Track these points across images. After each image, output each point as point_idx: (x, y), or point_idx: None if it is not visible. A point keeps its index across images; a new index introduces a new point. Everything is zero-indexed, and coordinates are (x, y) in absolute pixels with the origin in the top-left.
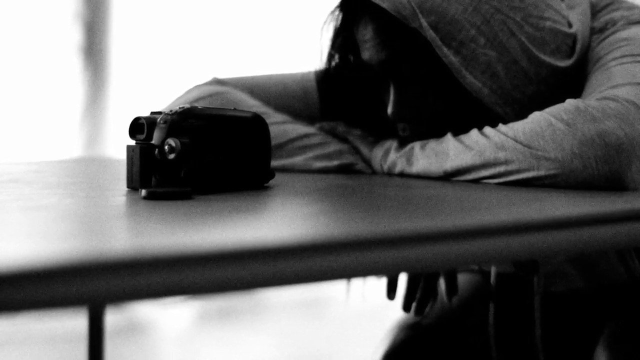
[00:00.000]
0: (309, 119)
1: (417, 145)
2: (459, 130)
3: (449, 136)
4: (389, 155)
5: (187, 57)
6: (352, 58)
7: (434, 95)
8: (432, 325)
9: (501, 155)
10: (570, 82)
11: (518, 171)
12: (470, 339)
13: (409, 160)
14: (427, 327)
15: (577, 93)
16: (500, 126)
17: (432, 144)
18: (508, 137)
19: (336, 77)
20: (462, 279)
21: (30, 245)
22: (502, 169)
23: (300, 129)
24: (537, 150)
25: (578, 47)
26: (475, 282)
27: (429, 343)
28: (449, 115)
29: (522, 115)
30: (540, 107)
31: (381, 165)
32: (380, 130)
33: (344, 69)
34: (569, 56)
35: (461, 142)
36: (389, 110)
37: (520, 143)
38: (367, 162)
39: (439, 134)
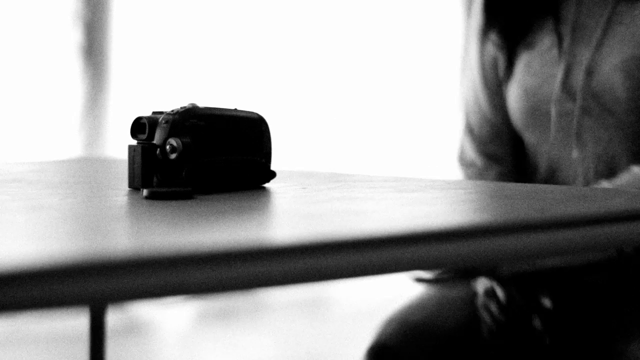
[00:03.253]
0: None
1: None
2: None
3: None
4: None
5: (187, 57)
6: None
7: None
8: (420, 322)
9: None
10: None
11: None
12: (457, 337)
13: None
14: (415, 323)
15: None
16: None
17: None
18: None
19: None
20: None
21: (31, 245)
22: None
23: None
24: None
25: None
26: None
27: (416, 339)
28: None
29: None
30: None
31: None
32: None
33: None
34: None
35: None
36: None
37: None
38: None
39: None
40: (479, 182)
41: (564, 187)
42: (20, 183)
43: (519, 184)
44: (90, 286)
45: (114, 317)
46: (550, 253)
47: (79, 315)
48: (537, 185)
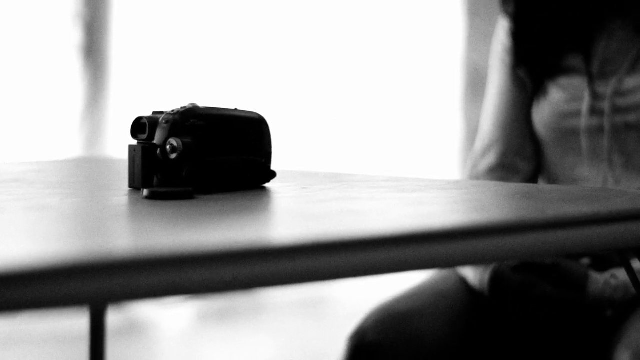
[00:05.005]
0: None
1: None
2: None
3: None
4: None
5: (187, 57)
6: None
7: None
8: (405, 312)
9: None
10: None
11: None
12: (441, 329)
13: None
14: (399, 312)
15: None
16: None
17: None
18: None
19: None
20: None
21: (32, 245)
22: None
23: None
24: None
25: None
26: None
27: (397, 327)
28: None
29: None
30: None
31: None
32: None
33: None
34: None
35: None
36: None
37: None
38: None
39: None
40: (478, 182)
41: (564, 187)
42: (20, 183)
43: (518, 184)
44: (90, 286)
45: (114, 317)
46: (550, 253)
47: (79, 315)
48: (537, 185)
